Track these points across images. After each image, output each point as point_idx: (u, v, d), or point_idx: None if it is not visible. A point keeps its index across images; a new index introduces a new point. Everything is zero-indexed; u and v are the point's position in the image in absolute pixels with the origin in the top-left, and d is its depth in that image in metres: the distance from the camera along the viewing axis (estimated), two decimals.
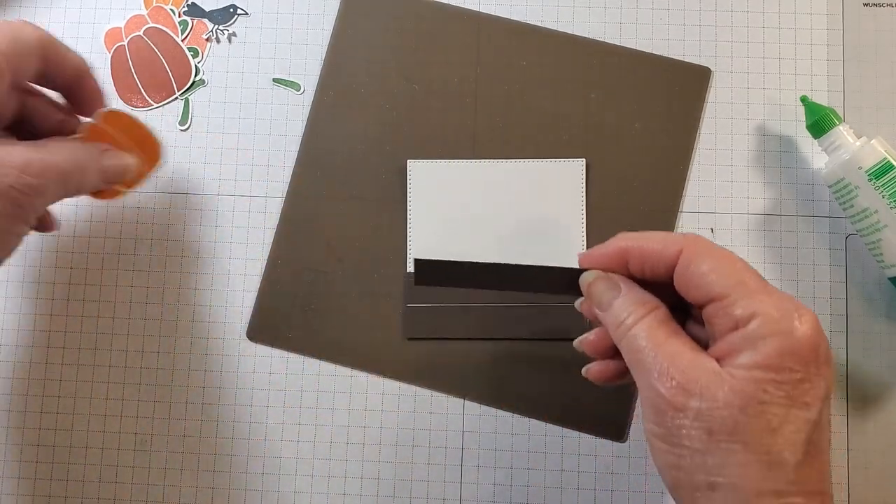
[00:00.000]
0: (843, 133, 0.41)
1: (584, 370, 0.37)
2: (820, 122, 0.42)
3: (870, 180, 0.40)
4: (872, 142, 0.40)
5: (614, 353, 0.36)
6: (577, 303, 0.37)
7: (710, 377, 0.29)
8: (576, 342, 0.37)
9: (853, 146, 0.41)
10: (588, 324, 0.44)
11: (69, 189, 0.36)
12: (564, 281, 0.36)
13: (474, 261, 0.37)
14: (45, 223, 0.41)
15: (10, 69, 0.33)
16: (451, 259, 0.37)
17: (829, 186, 0.43)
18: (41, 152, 0.34)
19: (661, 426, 0.30)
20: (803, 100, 0.43)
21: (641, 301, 0.33)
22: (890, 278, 0.42)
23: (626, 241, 0.34)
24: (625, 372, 0.36)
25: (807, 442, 0.28)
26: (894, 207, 0.39)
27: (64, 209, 0.47)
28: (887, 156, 0.40)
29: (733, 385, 0.28)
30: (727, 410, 0.28)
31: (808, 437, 0.28)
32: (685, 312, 0.35)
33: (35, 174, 0.33)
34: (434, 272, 0.37)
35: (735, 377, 0.29)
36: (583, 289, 0.35)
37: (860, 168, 0.40)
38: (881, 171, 0.40)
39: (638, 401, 0.44)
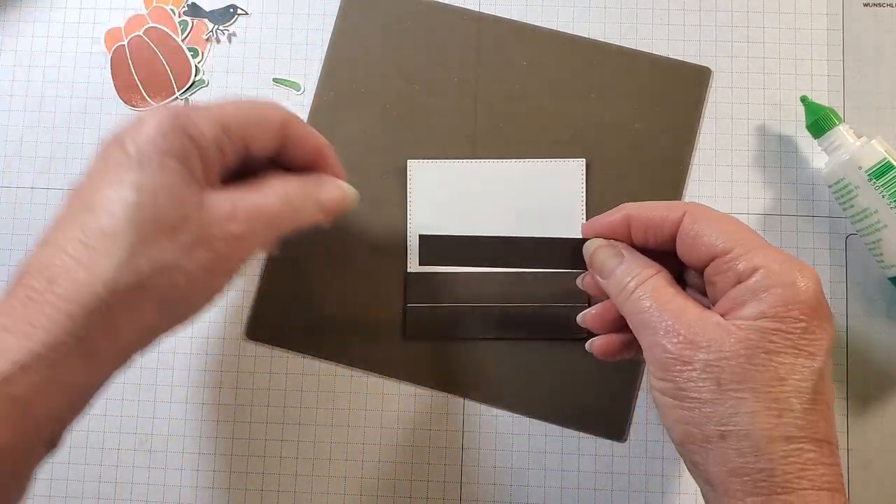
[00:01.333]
0: (843, 133, 0.41)
1: (587, 345, 0.37)
2: (820, 122, 0.42)
3: (870, 180, 0.40)
4: (872, 142, 0.40)
5: (618, 326, 0.36)
6: (580, 279, 0.38)
7: (716, 329, 0.30)
8: (579, 317, 0.37)
9: (853, 146, 0.41)
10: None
11: (282, 229, 0.34)
12: (568, 252, 0.37)
13: (477, 235, 0.38)
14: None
15: (235, 149, 0.32)
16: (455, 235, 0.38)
17: (829, 186, 0.43)
18: (252, 195, 0.32)
19: (668, 381, 0.30)
20: (803, 100, 0.43)
21: (644, 265, 0.33)
22: (890, 278, 0.42)
23: (630, 210, 0.35)
24: (628, 345, 0.37)
25: (813, 391, 0.29)
26: (894, 207, 0.39)
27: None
28: (887, 156, 0.40)
29: (739, 336, 0.29)
30: (735, 360, 0.29)
31: (813, 385, 0.29)
32: (683, 283, 0.35)
33: (242, 220, 0.31)
34: (438, 248, 0.38)
35: (741, 328, 0.29)
36: (586, 258, 0.36)
37: (860, 168, 0.40)
38: (881, 170, 0.40)
39: (637, 399, 0.44)
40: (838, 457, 0.29)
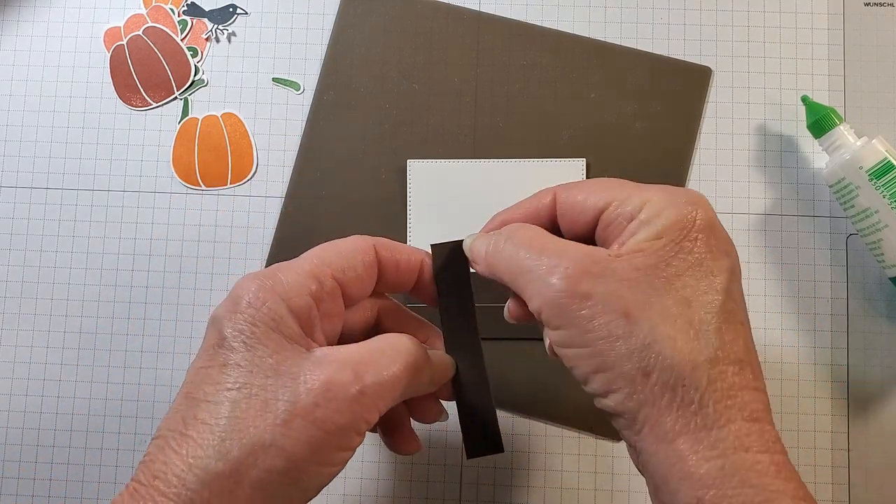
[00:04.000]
0: (843, 133, 0.41)
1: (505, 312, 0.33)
2: (821, 122, 0.42)
3: (870, 180, 0.40)
4: (873, 141, 0.40)
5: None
6: (505, 310, 0.33)
7: (611, 260, 0.27)
8: (504, 313, 0.33)
9: (854, 146, 0.41)
10: None
11: (402, 396, 0.30)
12: None
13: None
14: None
15: (332, 297, 0.31)
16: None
17: (830, 186, 0.43)
18: (361, 355, 0.29)
19: (569, 327, 0.27)
20: (804, 99, 0.43)
21: (509, 221, 0.32)
22: (891, 278, 0.42)
23: (506, 215, 0.32)
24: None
25: (721, 310, 0.27)
26: (895, 207, 0.39)
27: (63, 210, 0.47)
28: (888, 155, 0.40)
29: (636, 262, 0.27)
30: (638, 287, 0.27)
31: (721, 304, 0.27)
32: None
33: (346, 384, 0.28)
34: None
35: (636, 254, 0.27)
36: (469, 257, 0.33)
37: (861, 168, 0.40)
38: (882, 170, 0.40)
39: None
40: (762, 380, 0.27)
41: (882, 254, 0.41)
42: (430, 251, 0.34)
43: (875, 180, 0.40)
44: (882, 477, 0.43)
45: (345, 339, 0.32)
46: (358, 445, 0.29)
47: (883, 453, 0.43)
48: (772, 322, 0.44)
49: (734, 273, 0.28)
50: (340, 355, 0.28)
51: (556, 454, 0.44)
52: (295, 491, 0.27)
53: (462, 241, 0.34)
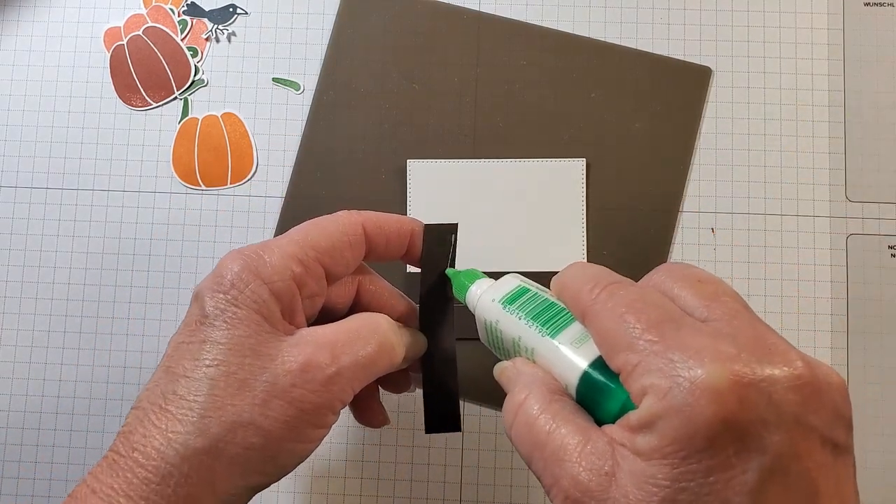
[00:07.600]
0: (482, 282, 0.34)
1: None
2: (463, 280, 0.35)
3: (504, 308, 0.32)
4: (508, 276, 0.34)
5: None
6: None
7: (604, 484, 0.23)
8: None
9: (488, 284, 0.34)
10: None
11: (376, 373, 0.31)
12: None
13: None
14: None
15: (316, 279, 0.31)
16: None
17: (486, 342, 0.35)
18: (334, 335, 0.30)
19: None
20: (450, 272, 0.36)
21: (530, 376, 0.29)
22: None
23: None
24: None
25: None
26: (532, 325, 0.31)
27: (63, 210, 0.47)
28: (522, 283, 0.33)
29: (630, 494, 0.22)
30: None
31: None
32: None
33: (321, 365, 0.28)
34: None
35: (635, 476, 0.22)
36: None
37: (494, 300, 0.33)
38: (515, 296, 0.33)
39: None
40: None
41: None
42: (422, 221, 0.35)
43: (508, 306, 0.32)
44: (882, 477, 0.43)
45: (325, 312, 0.33)
46: (333, 423, 0.30)
47: (882, 453, 0.43)
48: (772, 322, 0.44)
49: (759, 484, 0.21)
50: (318, 337, 0.29)
51: None
52: (271, 466, 0.28)
53: (455, 224, 0.34)
